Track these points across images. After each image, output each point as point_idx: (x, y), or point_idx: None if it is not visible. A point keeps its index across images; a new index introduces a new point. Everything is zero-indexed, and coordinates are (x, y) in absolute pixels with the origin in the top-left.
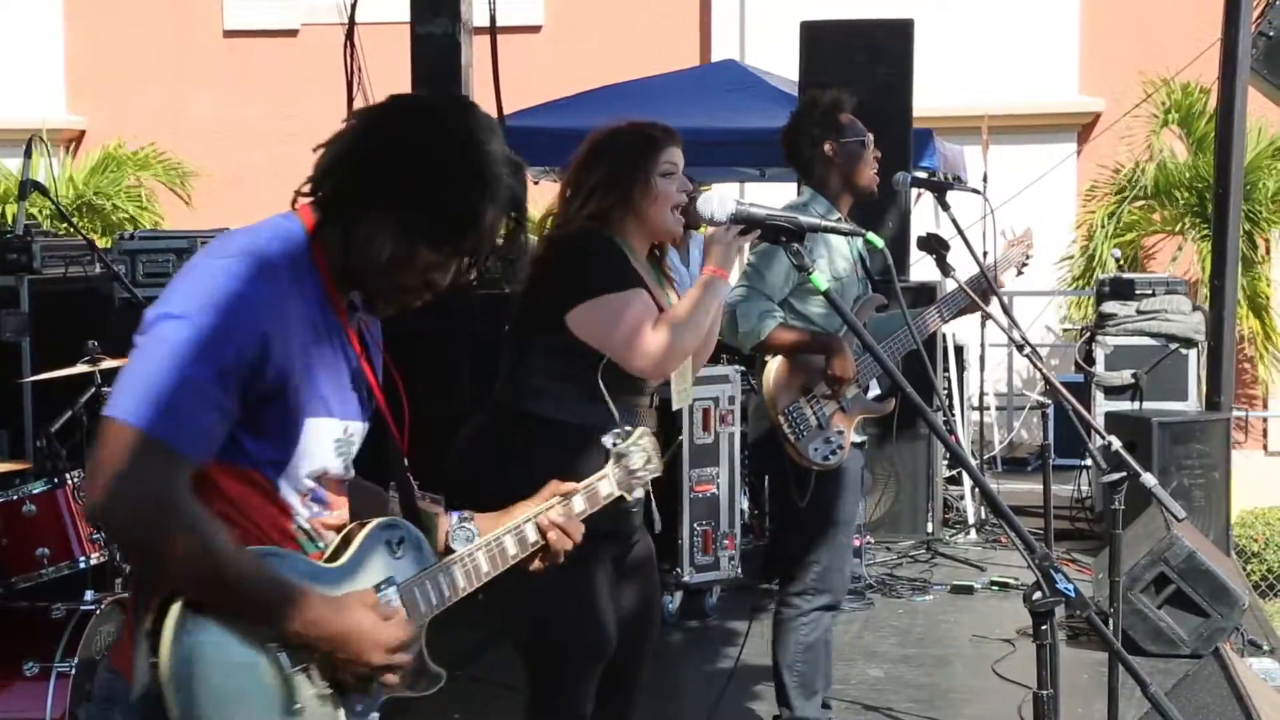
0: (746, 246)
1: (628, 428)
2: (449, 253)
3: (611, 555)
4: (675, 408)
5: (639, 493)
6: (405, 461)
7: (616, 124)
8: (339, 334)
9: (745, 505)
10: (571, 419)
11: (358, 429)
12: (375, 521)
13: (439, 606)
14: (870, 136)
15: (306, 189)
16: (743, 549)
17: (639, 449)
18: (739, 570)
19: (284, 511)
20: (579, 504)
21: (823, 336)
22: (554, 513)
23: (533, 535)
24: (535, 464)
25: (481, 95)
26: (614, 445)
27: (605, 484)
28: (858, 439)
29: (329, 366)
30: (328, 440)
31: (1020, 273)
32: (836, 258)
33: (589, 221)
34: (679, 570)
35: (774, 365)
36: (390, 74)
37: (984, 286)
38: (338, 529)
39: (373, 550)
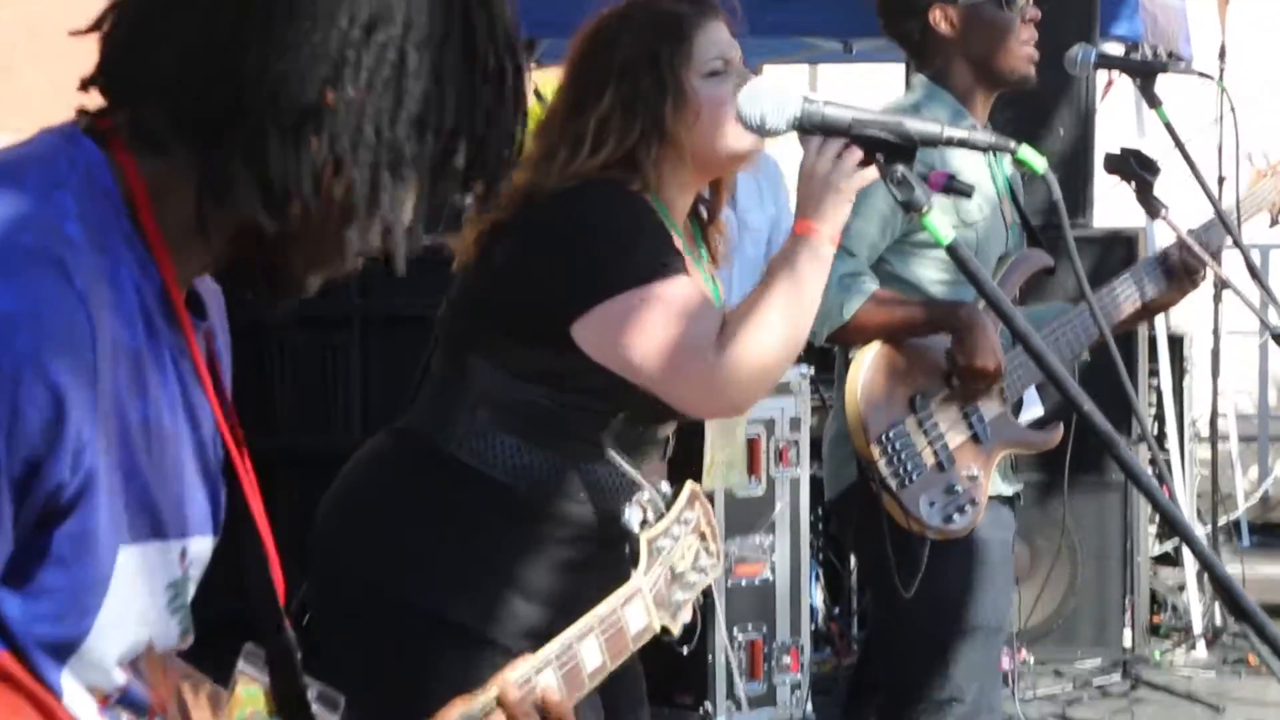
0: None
1: (662, 487)
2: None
3: None
4: (709, 488)
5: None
6: (280, 605)
7: (617, 6)
8: (178, 364)
9: (819, 599)
10: (526, 480)
11: (203, 550)
12: None
13: None
14: None
15: (99, 87)
16: (815, 670)
17: (681, 525)
18: (808, 705)
19: None
20: (549, 679)
21: (946, 306)
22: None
23: None
24: (457, 549)
25: None
26: (641, 525)
27: (634, 611)
28: (1005, 489)
29: (159, 434)
30: (157, 585)
31: (1277, 220)
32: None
33: (603, 173)
34: (710, 706)
35: (864, 362)
36: None
37: (1217, 239)
38: None
39: None
